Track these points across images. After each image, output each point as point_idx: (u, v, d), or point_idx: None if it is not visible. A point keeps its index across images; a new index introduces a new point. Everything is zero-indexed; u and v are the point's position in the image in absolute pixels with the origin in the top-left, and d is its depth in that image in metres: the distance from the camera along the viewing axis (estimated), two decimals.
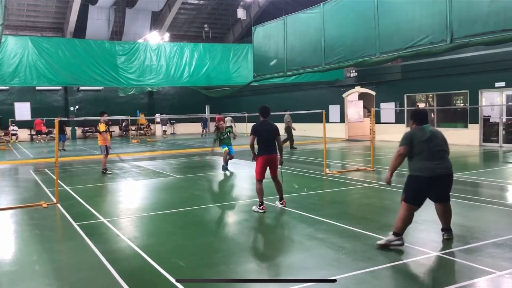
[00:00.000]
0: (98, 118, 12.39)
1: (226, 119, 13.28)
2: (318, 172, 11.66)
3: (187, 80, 20.22)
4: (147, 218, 7.38)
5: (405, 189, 5.43)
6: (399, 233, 5.29)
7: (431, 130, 5.40)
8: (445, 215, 5.55)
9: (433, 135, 5.36)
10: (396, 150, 5.46)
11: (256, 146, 7.45)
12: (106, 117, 12.29)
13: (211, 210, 7.89)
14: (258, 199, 7.42)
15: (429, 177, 5.24)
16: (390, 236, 5.32)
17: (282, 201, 7.69)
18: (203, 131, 33.50)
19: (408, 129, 5.58)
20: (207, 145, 20.77)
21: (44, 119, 27.83)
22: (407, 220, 5.30)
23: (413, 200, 5.32)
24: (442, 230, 5.63)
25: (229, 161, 12.87)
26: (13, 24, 27.84)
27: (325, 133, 12.09)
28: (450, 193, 5.53)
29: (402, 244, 5.27)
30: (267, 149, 7.40)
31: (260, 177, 7.38)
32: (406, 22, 10.68)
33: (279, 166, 7.56)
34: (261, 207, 7.32)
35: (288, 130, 18.91)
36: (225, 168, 12.53)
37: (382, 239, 5.39)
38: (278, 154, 7.51)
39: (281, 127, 26.87)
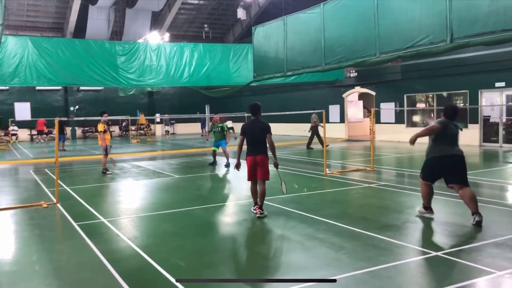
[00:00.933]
0: (98, 118, 12.39)
1: (226, 123, 13.85)
2: (318, 172, 11.66)
3: (187, 80, 20.22)
4: (147, 218, 7.38)
5: (422, 168, 6.49)
6: (426, 206, 6.47)
7: (461, 129, 6.37)
8: (469, 202, 6.12)
9: (457, 133, 6.30)
10: (432, 124, 6.53)
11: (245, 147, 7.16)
12: (106, 117, 12.28)
13: (211, 210, 7.88)
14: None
15: (442, 156, 6.13)
16: (421, 209, 6.58)
17: (255, 206, 7.09)
18: (202, 130, 33.51)
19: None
20: (207, 145, 20.78)
21: (46, 119, 27.82)
22: (428, 193, 6.40)
23: (426, 176, 6.37)
24: (472, 214, 6.13)
25: (229, 160, 12.92)
26: (13, 24, 27.84)
27: (325, 133, 12.09)
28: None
29: (431, 213, 6.44)
30: (253, 149, 7.05)
31: (249, 179, 7.21)
32: (406, 22, 10.69)
33: (276, 170, 7.20)
34: (254, 207, 7.20)
35: (314, 129, 18.29)
36: (212, 163, 13.75)
37: (417, 211, 6.65)
38: (273, 155, 7.07)
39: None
